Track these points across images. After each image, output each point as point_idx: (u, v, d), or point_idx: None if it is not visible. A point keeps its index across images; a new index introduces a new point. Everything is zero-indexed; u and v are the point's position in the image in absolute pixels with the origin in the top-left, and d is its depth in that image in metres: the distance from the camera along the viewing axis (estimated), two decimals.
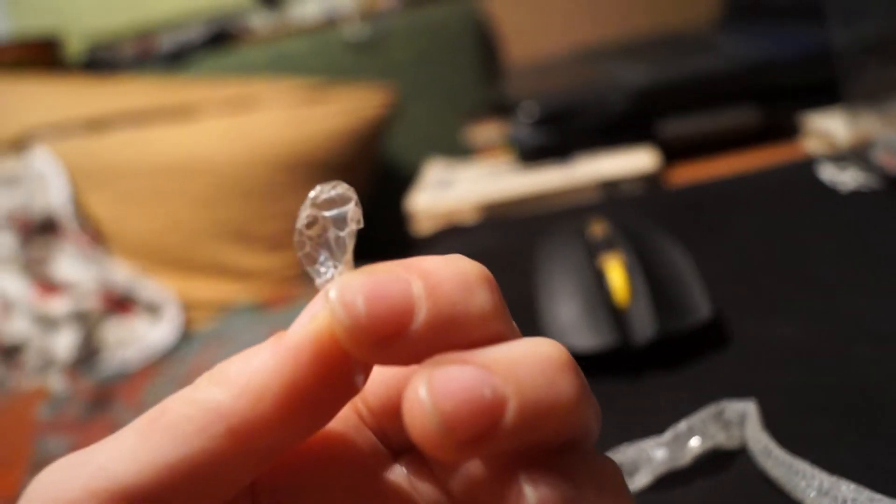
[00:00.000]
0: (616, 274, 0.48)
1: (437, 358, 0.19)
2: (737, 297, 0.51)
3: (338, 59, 1.73)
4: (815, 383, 0.41)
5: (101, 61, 1.82)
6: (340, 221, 0.21)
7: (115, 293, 1.39)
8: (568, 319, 0.47)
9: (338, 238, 0.21)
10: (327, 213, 0.21)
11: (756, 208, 0.67)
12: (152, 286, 1.45)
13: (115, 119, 1.53)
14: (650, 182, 0.82)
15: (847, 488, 0.30)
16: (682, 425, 0.36)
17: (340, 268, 0.21)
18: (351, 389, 0.21)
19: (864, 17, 0.66)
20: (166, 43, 1.79)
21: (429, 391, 0.18)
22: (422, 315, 0.19)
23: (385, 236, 1.25)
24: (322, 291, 0.20)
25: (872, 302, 0.47)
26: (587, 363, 0.46)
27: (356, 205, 0.21)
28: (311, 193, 0.21)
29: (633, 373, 0.46)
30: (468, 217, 0.83)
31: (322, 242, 0.21)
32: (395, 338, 0.19)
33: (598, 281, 0.49)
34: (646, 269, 0.48)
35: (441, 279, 0.20)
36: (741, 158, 0.84)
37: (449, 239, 0.78)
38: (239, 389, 0.19)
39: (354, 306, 0.19)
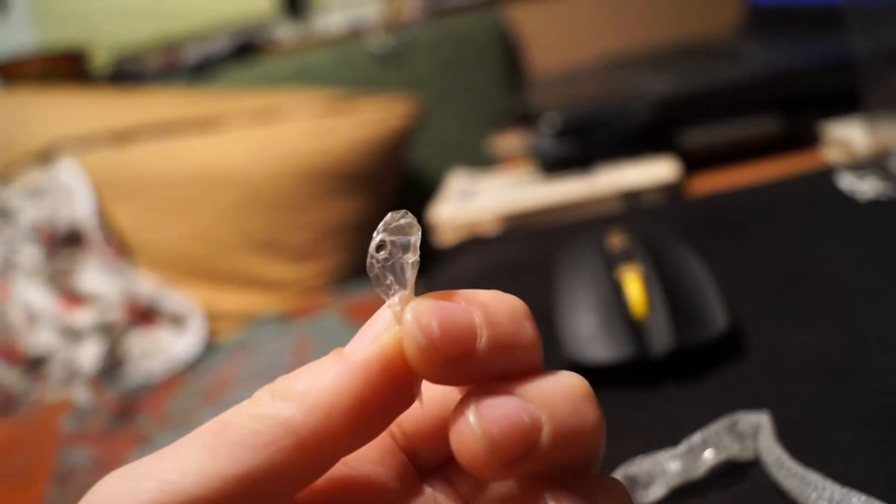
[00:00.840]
0: (634, 286, 0.48)
1: (480, 388, 0.21)
2: (756, 306, 0.51)
3: (362, 70, 1.73)
4: (835, 393, 0.40)
5: (127, 73, 1.83)
6: (406, 248, 0.22)
7: (140, 304, 1.40)
8: (586, 331, 0.48)
9: (402, 264, 0.22)
10: (395, 239, 0.22)
11: (775, 218, 0.67)
12: (177, 297, 1.46)
13: (141, 131, 1.54)
14: (671, 192, 0.82)
15: (858, 500, 0.30)
16: (697, 437, 0.36)
17: (402, 293, 0.22)
18: (408, 403, 0.22)
19: (883, 26, 0.66)
20: (192, 55, 1.80)
21: (477, 417, 0.21)
22: (483, 340, 0.21)
23: None
24: (385, 312, 0.22)
25: (892, 310, 0.47)
26: (605, 375, 0.46)
27: (419, 236, 0.23)
28: (385, 219, 0.22)
29: (651, 384, 0.46)
30: (490, 228, 0.83)
31: (389, 266, 0.22)
32: (461, 359, 0.21)
33: (616, 293, 0.49)
34: (663, 280, 0.48)
35: (497, 311, 0.22)
36: (762, 167, 0.84)
37: (471, 250, 0.78)
38: (309, 405, 0.21)
39: (430, 329, 0.21)
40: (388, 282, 0.22)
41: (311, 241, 1.51)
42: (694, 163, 0.88)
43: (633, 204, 0.81)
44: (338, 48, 1.77)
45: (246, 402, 0.21)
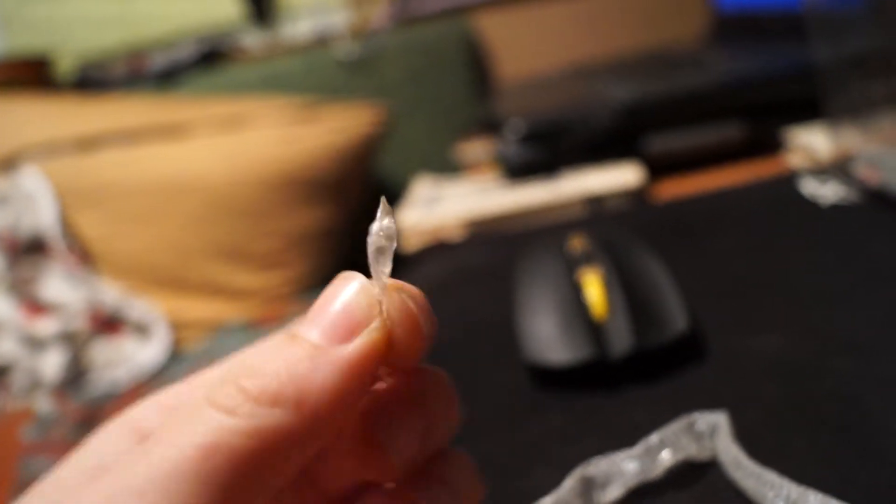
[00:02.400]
0: (594, 288, 0.48)
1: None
2: (717, 310, 0.51)
3: (330, 78, 1.73)
4: (793, 396, 0.40)
5: (92, 80, 1.82)
6: (394, 238, 0.23)
7: (104, 313, 1.39)
8: (546, 334, 0.47)
9: (392, 254, 0.23)
10: (393, 227, 0.23)
11: (738, 222, 0.67)
12: (141, 306, 1.45)
13: (106, 138, 1.53)
14: (635, 197, 0.82)
15: (815, 498, 0.30)
16: (654, 438, 0.36)
17: (388, 282, 0.22)
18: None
19: (843, 33, 0.67)
20: (157, 62, 1.78)
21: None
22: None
23: None
24: (359, 299, 0.22)
25: (851, 314, 0.47)
26: (565, 377, 0.46)
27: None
28: (385, 206, 0.23)
29: (611, 386, 0.45)
30: (455, 233, 0.83)
31: (384, 251, 0.23)
32: (428, 343, 0.23)
33: (576, 295, 0.49)
34: (624, 283, 0.48)
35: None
36: (726, 173, 0.84)
37: (435, 255, 0.78)
38: (309, 410, 0.20)
39: (424, 310, 0.22)
40: (381, 267, 0.22)
41: (278, 249, 1.50)
42: (658, 169, 0.88)
43: (596, 209, 0.81)
44: (305, 55, 1.76)
45: (218, 415, 0.20)
